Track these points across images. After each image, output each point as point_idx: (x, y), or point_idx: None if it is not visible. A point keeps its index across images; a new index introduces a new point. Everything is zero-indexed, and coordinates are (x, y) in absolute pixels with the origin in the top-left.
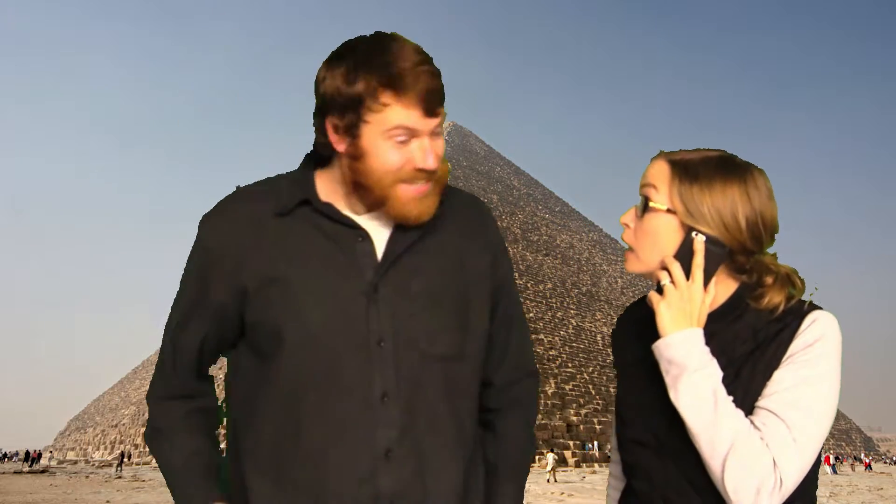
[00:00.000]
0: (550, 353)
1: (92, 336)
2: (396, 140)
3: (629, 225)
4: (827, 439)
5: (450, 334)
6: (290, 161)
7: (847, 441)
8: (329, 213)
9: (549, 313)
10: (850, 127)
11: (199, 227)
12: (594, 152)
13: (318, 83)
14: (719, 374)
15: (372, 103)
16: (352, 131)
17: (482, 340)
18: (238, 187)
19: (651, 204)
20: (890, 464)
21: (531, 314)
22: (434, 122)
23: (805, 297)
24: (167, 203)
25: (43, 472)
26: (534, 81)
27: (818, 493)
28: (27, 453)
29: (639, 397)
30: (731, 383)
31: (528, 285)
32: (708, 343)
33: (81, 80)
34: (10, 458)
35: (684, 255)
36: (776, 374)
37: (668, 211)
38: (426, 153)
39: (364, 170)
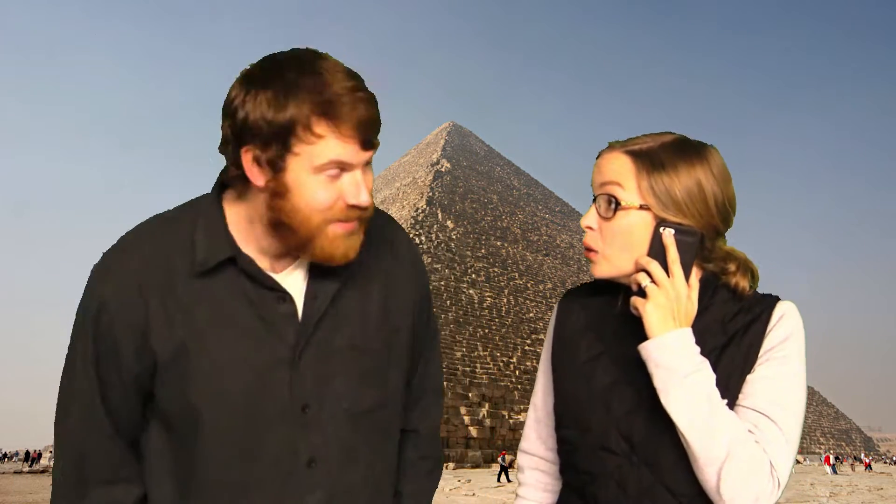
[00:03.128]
0: None
1: None
2: (327, 175)
3: (592, 227)
4: (827, 439)
5: (374, 386)
6: None
7: (847, 441)
8: (252, 273)
9: (550, 313)
10: (850, 127)
11: (91, 283)
12: (594, 152)
13: (233, 107)
14: (713, 376)
15: (304, 134)
16: (276, 164)
17: (403, 380)
18: (139, 226)
19: (624, 203)
20: (890, 464)
21: (531, 314)
22: (369, 154)
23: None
24: (167, 203)
25: (43, 472)
26: (534, 81)
27: (818, 492)
28: (27, 453)
29: (603, 399)
30: None
31: (528, 285)
32: None
33: (81, 80)
34: (10, 458)
35: (658, 251)
36: (756, 372)
37: (641, 207)
38: (359, 188)
39: (288, 208)
